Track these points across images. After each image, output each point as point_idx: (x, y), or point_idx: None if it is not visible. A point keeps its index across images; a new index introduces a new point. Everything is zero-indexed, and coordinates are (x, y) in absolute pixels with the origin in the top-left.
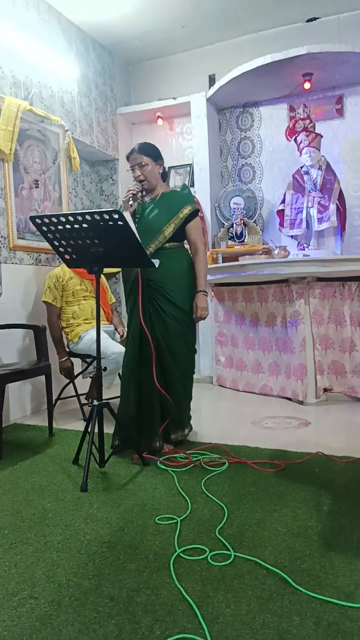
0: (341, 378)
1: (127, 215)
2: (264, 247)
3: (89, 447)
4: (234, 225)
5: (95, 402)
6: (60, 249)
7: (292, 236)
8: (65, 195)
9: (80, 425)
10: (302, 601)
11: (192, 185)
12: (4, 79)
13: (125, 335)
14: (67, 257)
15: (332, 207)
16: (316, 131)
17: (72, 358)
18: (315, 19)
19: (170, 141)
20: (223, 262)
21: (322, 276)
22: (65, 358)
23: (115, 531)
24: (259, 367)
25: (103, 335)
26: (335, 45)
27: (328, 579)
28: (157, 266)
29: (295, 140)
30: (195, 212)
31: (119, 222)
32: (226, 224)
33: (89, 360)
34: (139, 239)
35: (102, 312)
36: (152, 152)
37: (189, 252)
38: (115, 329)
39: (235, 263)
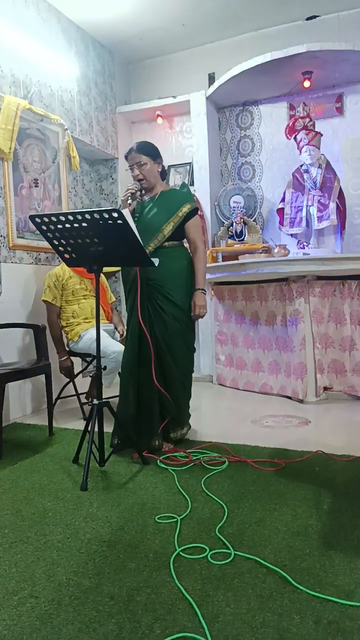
0: (341, 377)
1: (127, 214)
2: (264, 245)
3: (89, 446)
4: (234, 223)
5: (95, 401)
6: (60, 248)
7: (292, 235)
8: (64, 194)
9: (80, 425)
10: (302, 600)
11: (192, 183)
12: (4, 77)
13: (125, 334)
14: (66, 256)
15: (332, 205)
16: (316, 129)
17: (72, 357)
18: (315, 17)
19: (170, 140)
20: (223, 260)
21: (322, 275)
22: (65, 357)
23: (115, 530)
24: (259, 365)
25: (103, 334)
26: (335, 43)
27: (328, 577)
28: (156, 265)
29: (295, 138)
30: (195, 210)
31: (119, 221)
32: (226, 222)
33: (88, 359)
34: (138, 237)
35: (102, 311)
36: (150, 151)
37: (189, 250)
38: (115, 328)
39: (235, 262)
